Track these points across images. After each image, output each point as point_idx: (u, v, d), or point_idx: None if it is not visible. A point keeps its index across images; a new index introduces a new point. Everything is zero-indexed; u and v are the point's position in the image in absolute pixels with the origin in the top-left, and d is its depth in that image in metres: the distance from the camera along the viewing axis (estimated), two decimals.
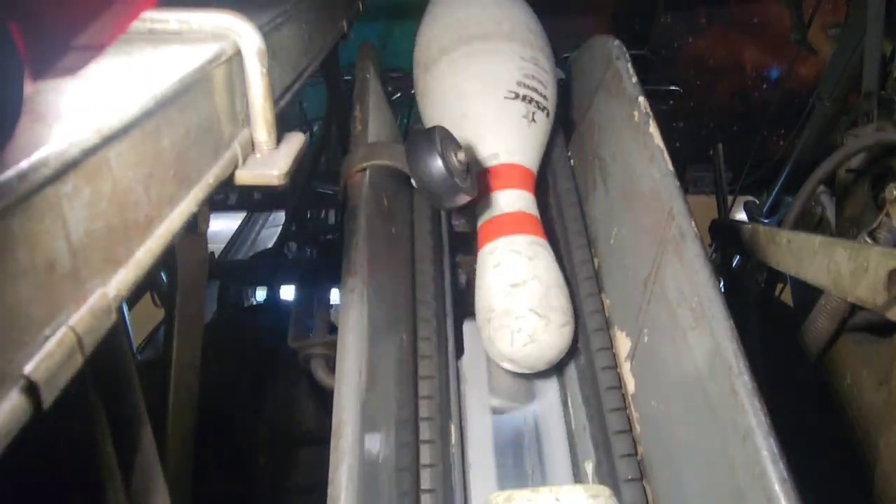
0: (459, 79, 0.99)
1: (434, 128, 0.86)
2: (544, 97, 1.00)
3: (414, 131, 1.09)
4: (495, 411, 0.86)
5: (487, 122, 0.97)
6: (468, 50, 1.00)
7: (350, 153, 0.94)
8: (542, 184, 1.14)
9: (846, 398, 1.09)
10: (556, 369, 0.89)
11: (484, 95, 0.97)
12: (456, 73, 0.99)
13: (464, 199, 0.86)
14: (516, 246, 0.88)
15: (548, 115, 1.01)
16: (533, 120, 0.97)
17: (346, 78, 1.47)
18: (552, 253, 0.91)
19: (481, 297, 0.88)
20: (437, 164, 0.83)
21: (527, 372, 0.87)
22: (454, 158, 0.85)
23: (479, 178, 0.93)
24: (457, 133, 0.88)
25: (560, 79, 1.21)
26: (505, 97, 0.96)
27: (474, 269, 0.92)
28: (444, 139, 0.85)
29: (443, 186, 0.84)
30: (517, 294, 0.84)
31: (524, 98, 0.97)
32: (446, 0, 1.11)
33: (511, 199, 0.93)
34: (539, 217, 0.95)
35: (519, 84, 0.97)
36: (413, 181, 0.87)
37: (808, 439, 1.00)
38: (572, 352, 0.88)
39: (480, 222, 0.94)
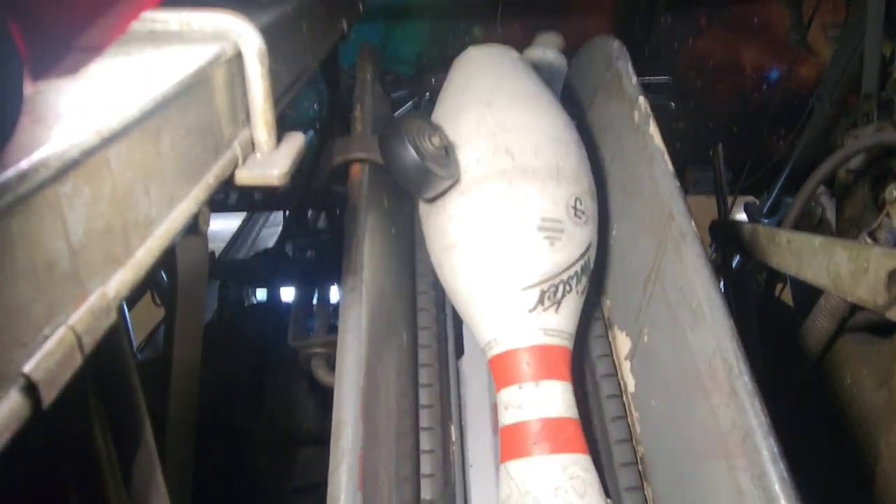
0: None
1: (403, 117, 0.81)
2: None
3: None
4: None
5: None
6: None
7: (331, 148, 0.92)
8: None
9: (846, 398, 1.09)
10: None
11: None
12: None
13: (443, 184, 0.81)
14: (553, 477, 0.70)
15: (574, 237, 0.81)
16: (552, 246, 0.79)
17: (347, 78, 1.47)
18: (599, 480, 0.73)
19: None
20: (409, 152, 0.76)
21: None
22: (428, 143, 0.79)
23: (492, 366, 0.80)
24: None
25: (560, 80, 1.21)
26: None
27: None
28: (417, 126, 0.80)
29: (417, 174, 0.78)
30: None
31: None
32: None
33: (545, 397, 0.74)
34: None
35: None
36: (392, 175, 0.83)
37: (808, 439, 1.00)
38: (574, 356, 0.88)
39: (501, 423, 0.76)
